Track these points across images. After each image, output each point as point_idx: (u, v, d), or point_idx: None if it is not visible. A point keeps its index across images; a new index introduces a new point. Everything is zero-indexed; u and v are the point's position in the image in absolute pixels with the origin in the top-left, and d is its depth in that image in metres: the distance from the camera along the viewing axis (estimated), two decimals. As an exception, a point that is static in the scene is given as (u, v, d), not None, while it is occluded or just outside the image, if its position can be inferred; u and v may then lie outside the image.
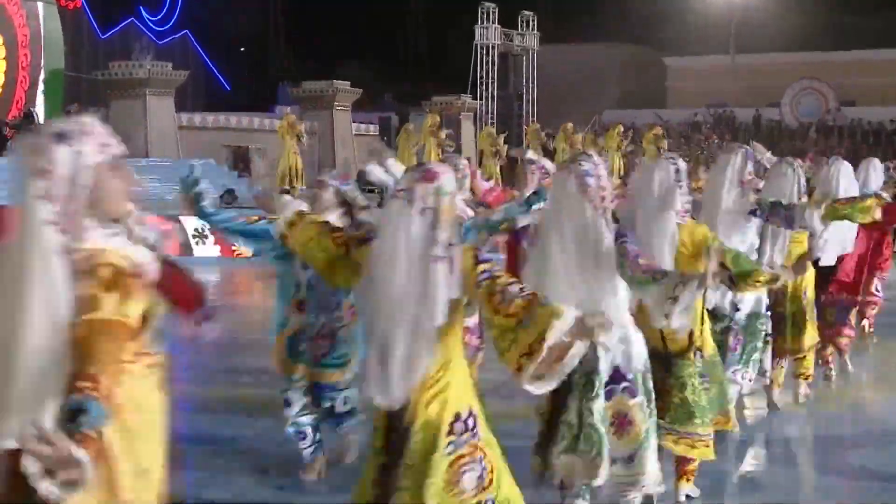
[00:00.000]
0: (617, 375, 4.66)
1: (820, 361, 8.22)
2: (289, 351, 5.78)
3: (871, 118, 37.50)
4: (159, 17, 40.77)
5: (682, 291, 4.43)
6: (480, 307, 3.71)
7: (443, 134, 22.13)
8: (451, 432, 3.58)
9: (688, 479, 5.40)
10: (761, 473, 6.28)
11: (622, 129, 23.71)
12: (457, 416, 3.61)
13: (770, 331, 6.93)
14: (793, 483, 6.26)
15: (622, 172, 22.00)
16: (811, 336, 7.51)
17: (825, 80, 39.24)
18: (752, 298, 6.55)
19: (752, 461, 6.51)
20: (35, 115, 26.46)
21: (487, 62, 34.62)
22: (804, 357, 7.61)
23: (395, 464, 3.61)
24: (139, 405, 2.84)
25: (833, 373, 8.43)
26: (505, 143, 25.86)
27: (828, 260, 7.76)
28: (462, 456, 3.58)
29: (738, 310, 6.52)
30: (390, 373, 3.49)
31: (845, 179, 7.92)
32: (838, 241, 7.71)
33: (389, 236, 3.54)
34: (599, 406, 4.60)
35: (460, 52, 35.40)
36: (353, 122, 31.01)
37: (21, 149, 2.75)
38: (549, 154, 21.92)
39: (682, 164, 5.25)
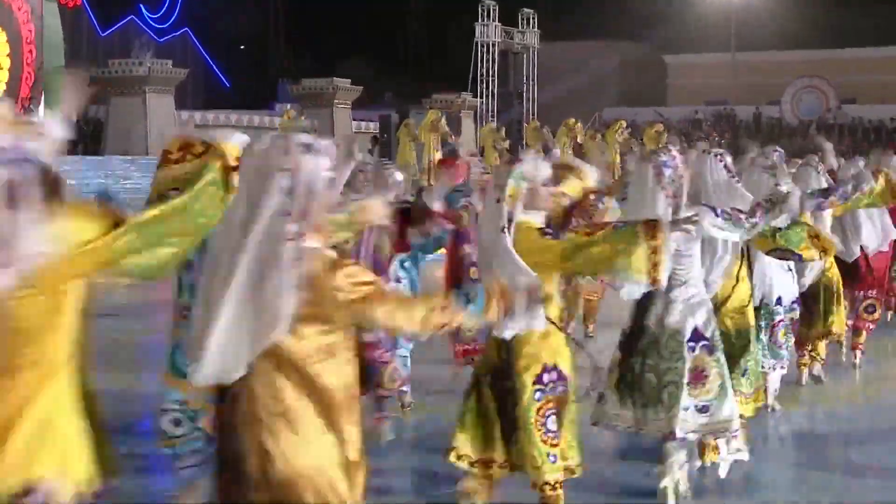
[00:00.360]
0: (696, 334, 5.23)
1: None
2: (171, 362, 4.93)
3: (871, 116, 37.45)
4: (159, 14, 40.75)
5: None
6: (568, 256, 4.32)
7: (444, 121, 22.07)
8: (538, 382, 4.27)
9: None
10: (762, 472, 6.25)
11: (625, 125, 23.67)
12: (544, 368, 4.27)
13: (797, 317, 7.18)
14: (794, 481, 6.26)
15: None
16: (839, 324, 7.84)
17: (826, 77, 39.23)
18: (789, 291, 6.95)
19: (752, 459, 6.49)
20: (34, 112, 26.44)
21: (488, 60, 34.52)
22: (819, 341, 7.91)
23: (505, 403, 4.28)
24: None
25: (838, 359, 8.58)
26: (506, 138, 25.86)
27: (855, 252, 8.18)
28: (549, 401, 4.23)
29: (780, 304, 6.89)
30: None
31: (855, 169, 8.17)
32: (882, 234, 8.22)
33: (483, 209, 4.50)
34: (683, 364, 5.15)
35: (460, 50, 35.32)
36: (354, 119, 30.92)
37: (271, 147, 3.12)
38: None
39: (729, 159, 5.80)
